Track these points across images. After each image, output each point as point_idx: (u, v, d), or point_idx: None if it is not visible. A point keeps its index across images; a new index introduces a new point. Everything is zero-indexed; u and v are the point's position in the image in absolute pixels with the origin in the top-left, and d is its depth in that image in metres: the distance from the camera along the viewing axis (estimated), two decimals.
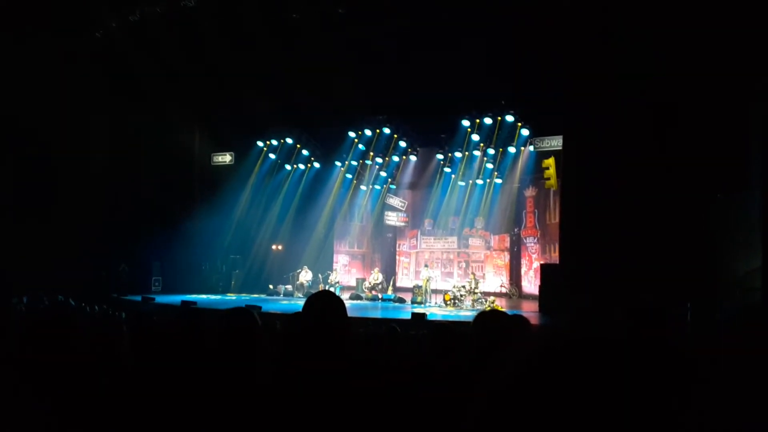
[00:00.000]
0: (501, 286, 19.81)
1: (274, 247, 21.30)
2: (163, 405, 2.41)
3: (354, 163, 20.60)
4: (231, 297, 18.46)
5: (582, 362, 0.78)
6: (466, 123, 17.63)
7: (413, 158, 20.04)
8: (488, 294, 17.40)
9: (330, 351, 2.16)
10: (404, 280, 21.83)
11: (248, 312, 2.57)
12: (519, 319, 2.87)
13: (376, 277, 18.92)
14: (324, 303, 2.34)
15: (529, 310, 15.47)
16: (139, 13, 15.51)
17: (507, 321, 2.71)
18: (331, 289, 17.76)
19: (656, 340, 0.81)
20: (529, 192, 19.52)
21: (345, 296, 18.20)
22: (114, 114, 17.61)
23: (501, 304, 16.42)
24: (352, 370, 2.18)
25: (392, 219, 21.87)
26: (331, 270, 19.95)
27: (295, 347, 2.23)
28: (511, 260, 20.36)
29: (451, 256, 21.48)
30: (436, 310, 15.35)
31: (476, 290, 16.23)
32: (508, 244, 20.42)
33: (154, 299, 15.17)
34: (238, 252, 20.62)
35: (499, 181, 19.33)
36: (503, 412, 0.77)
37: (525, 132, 17.27)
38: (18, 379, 2.76)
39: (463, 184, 19.97)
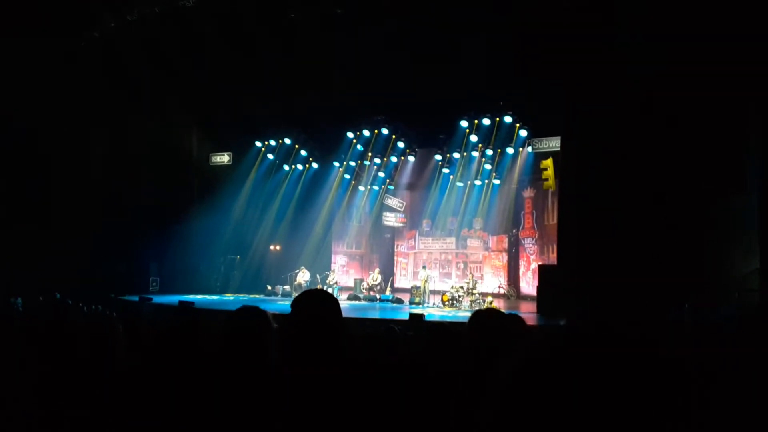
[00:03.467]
0: (499, 286, 19.81)
1: (272, 247, 21.28)
2: (160, 406, 2.39)
3: (352, 163, 20.59)
4: (229, 297, 18.44)
5: (579, 365, 0.77)
6: (464, 124, 17.63)
7: (411, 159, 20.03)
8: (486, 295, 17.39)
9: (325, 350, 2.14)
10: (402, 280, 21.82)
11: (260, 311, 2.40)
12: (514, 318, 2.87)
13: (375, 277, 18.89)
14: (313, 301, 2.27)
15: (527, 311, 15.47)
16: (138, 12, 15.48)
17: (502, 319, 2.71)
18: (329, 290, 17.74)
19: (652, 346, 0.81)
20: (528, 193, 19.53)
21: (343, 297, 18.19)
22: (112, 114, 17.57)
23: (499, 305, 16.40)
24: (350, 370, 2.17)
25: (390, 219, 21.86)
26: (329, 270, 19.93)
27: (289, 348, 2.20)
28: (509, 261, 20.37)
29: (449, 257, 21.48)
30: (434, 310, 15.34)
31: (474, 291, 16.22)
32: (506, 245, 20.42)
33: (151, 299, 15.15)
34: (236, 252, 20.60)
35: (497, 181, 19.33)
36: (504, 414, 0.76)
37: (523, 133, 17.28)
38: (16, 377, 2.75)
39: (461, 184, 19.97)
